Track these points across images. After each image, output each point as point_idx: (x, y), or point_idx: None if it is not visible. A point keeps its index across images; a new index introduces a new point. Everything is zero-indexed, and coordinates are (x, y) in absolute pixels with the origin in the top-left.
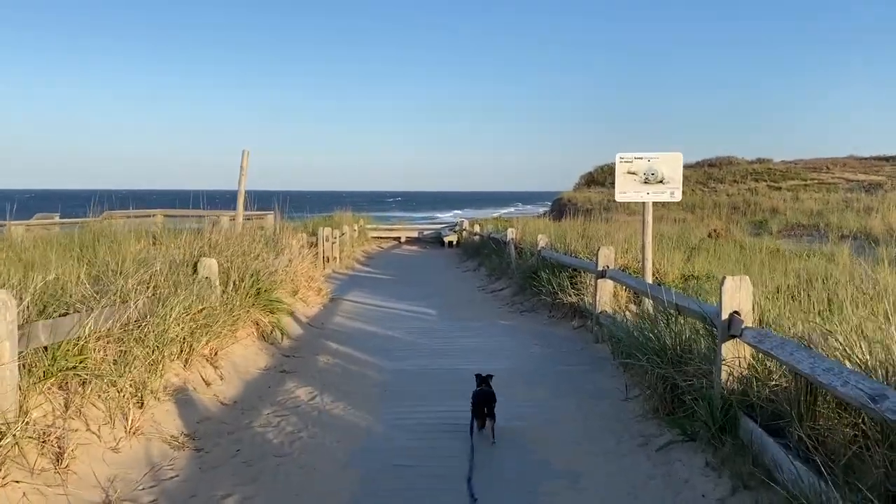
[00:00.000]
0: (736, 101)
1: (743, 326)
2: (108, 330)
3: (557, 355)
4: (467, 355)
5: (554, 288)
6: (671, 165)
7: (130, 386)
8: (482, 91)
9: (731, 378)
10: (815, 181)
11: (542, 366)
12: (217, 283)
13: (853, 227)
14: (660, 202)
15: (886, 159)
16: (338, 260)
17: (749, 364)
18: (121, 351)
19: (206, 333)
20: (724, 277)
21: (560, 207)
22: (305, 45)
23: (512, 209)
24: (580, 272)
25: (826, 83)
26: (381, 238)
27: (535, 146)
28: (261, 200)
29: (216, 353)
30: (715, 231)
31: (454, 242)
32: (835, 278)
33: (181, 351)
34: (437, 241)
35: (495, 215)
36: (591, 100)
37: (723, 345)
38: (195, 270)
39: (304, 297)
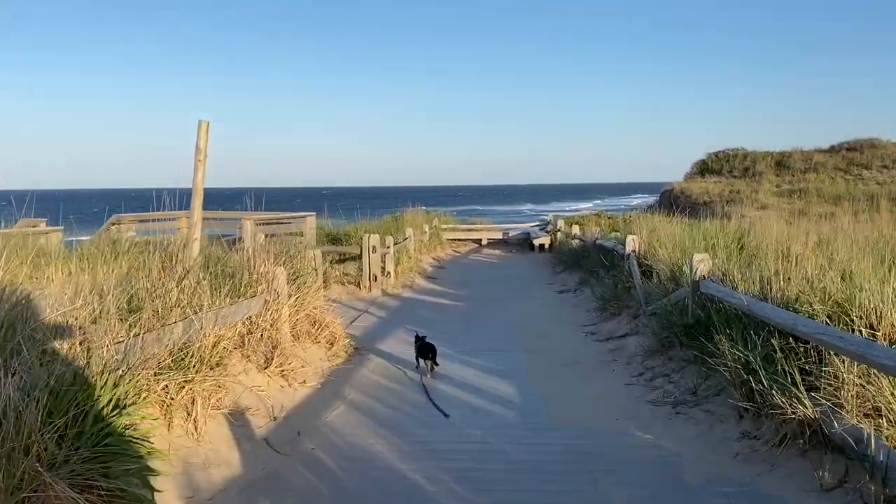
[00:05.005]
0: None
1: None
2: None
3: None
4: None
5: (763, 382)
6: None
7: None
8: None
9: None
10: None
11: None
12: None
13: None
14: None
15: None
16: (392, 275)
17: None
18: None
19: None
20: None
21: (671, 200)
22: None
23: (635, 200)
24: (822, 351)
25: None
26: (458, 240)
27: (636, 135)
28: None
29: None
30: None
31: (546, 246)
32: None
33: None
34: (524, 243)
35: (599, 212)
36: (697, 83)
37: None
38: None
39: (286, 368)
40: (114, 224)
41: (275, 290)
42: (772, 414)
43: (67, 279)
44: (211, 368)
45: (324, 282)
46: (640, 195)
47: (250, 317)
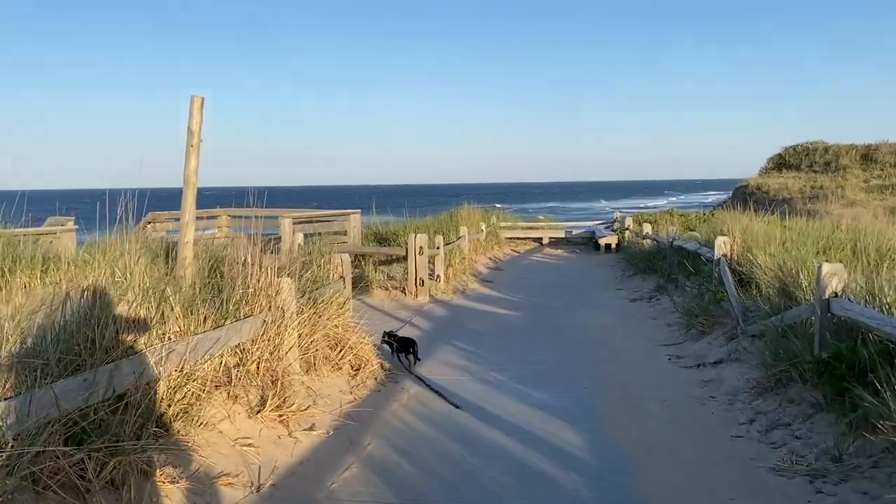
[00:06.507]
0: None
1: None
2: None
3: None
4: None
5: None
6: None
7: None
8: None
9: None
10: None
11: None
12: None
13: None
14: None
15: None
16: (442, 279)
17: None
18: None
19: None
20: None
21: (745, 197)
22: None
23: (710, 197)
24: None
25: None
26: (517, 239)
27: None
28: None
29: None
30: None
31: (612, 246)
32: None
33: None
34: (588, 243)
35: (671, 209)
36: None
37: None
38: None
39: (287, 409)
40: (149, 223)
41: (278, 308)
42: None
43: (44, 290)
44: (169, 422)
45: (366, 286)
46: (713, 192)
47: (241, 344)
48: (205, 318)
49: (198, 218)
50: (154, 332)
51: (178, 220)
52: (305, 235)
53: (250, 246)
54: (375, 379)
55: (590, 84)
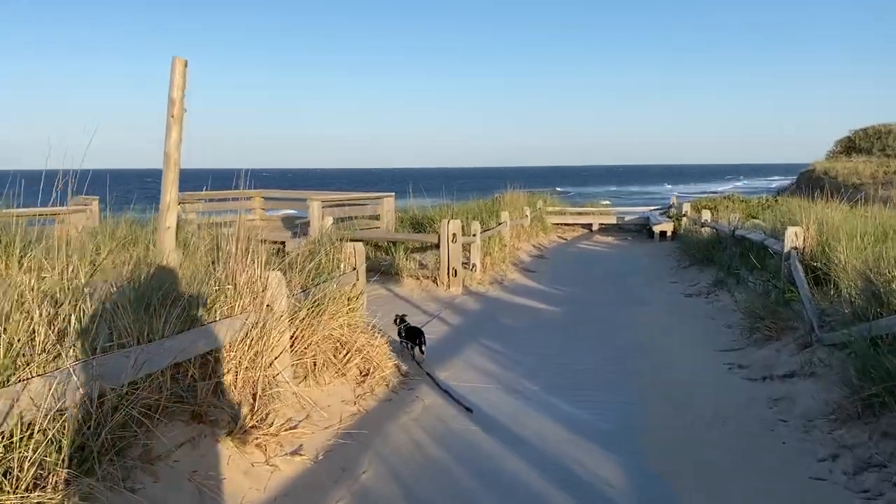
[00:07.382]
0: None
1: None
2: None
3: None
4: None
5: None
6: None
7: None
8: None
9: None
10: None
11: None
12: None
13: None
14: None
15: None
16: (478, 268)
17: None
18: None
19: None
20: None
21: (811, 182)
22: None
23: (775, 182)
24: None
25: None
26: (565, 225)
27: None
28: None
29: None
30: None
31: (667, 234)
32: None
33: None
34: (642, 229)
35: (731, 194)
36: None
37: None
38: None
39: (267, 430)
40: (178, 203)
41: (266, 306)
42: None
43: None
44: (94, 457)
45: (396, 275)
46: (777, 177)
47: (213, 351)
48: (164, 321)
49: (231, 199)
50: (85, 343)
51: (209, 200)
52: (336, 220)
53: (235, 232)
54: (387, 385)
55: (658, 66)
